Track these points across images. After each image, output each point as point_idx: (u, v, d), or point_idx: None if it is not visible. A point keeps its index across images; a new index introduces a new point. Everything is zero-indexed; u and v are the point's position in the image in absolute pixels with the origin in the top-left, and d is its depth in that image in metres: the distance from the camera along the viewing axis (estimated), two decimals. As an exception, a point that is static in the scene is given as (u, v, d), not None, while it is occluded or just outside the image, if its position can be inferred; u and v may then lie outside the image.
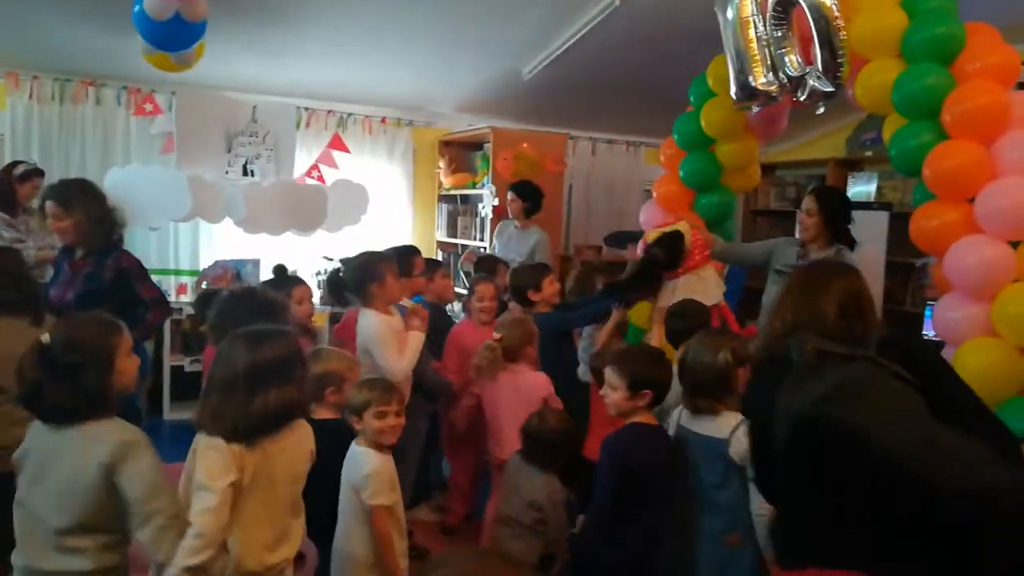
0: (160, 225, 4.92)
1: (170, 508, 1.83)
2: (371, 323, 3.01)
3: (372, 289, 3.04)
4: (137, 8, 3.05)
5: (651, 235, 3.67)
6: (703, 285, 3.49)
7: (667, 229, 3.61)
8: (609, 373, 2.52)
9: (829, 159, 5.98)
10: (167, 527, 1.81)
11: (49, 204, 3.18)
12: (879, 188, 5.65)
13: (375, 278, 3.04)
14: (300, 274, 5.26)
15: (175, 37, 3.21)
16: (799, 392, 1.59)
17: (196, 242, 5.42)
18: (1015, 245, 2.66)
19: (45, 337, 1.86)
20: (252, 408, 1.91)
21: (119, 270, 3.21)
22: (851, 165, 5.93)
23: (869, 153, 5.82)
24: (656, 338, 3.28)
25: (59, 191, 3.22)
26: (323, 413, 2.54)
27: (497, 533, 2.83)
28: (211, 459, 1.88)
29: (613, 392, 2.49)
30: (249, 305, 2.60)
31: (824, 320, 1.67)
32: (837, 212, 3.47)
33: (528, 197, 4.94)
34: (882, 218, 4.86)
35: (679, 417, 2.52)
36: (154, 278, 5.11)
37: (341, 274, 3.62)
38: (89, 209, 3.18)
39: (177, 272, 5.39)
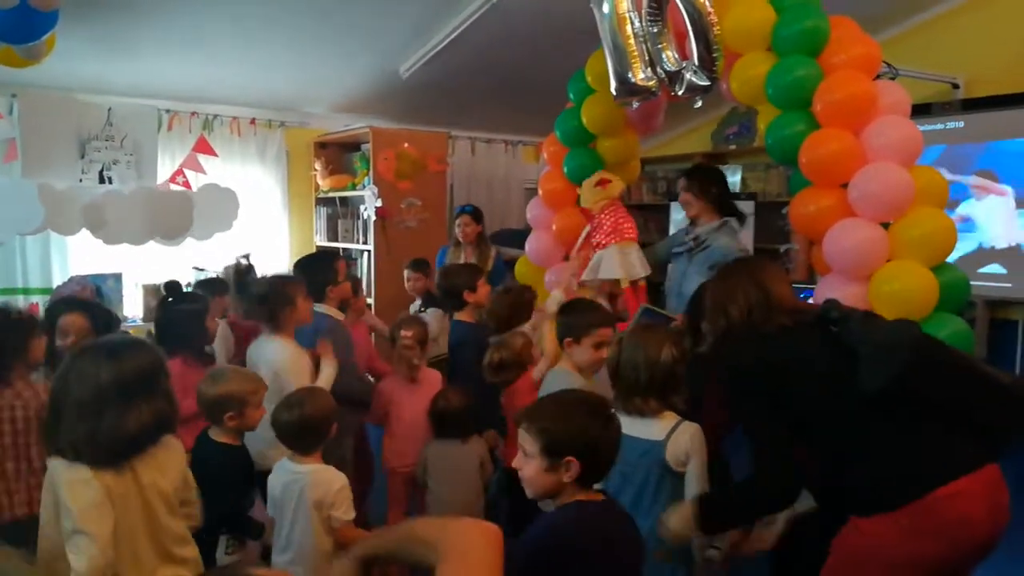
0: (6, 240, 4.47)
1: None
2: (283, 353, 2.85)
3: (285, 314, 2.89)
4: (-25, -4, 2.71)
5: (586, 190, 3.77)
6: (627, 260, 3.48)
7: (604, 189, 3.71)
8: (522, 435, 1.78)
9: (696, 153, 6.25)
10: None
11: None
12: (743, 179, 5.96)
13: (287, 303, 2.89)
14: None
15: (22, 27, 2.85)
16: (892, 331, 1.95)
17: (48, 257, 4.95)
18: (887, 226, 2.84)
19: None
20: (125, 425, 1.76)
21: None
22: (717, 158, 6.21)
23: (732, 147, 6.13)
24: (548, 339, 3.06)
25: None
26: (222, 437, 2.38)
27: None
28: (83, 497, 1.71)
29: (527, 462, 1.76)
30: None
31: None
32: (709, 184, 3.56)
33: None
34: (749, 208, 5.08)
35: None
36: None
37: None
38: None
39: (26, 291, 4.90)
